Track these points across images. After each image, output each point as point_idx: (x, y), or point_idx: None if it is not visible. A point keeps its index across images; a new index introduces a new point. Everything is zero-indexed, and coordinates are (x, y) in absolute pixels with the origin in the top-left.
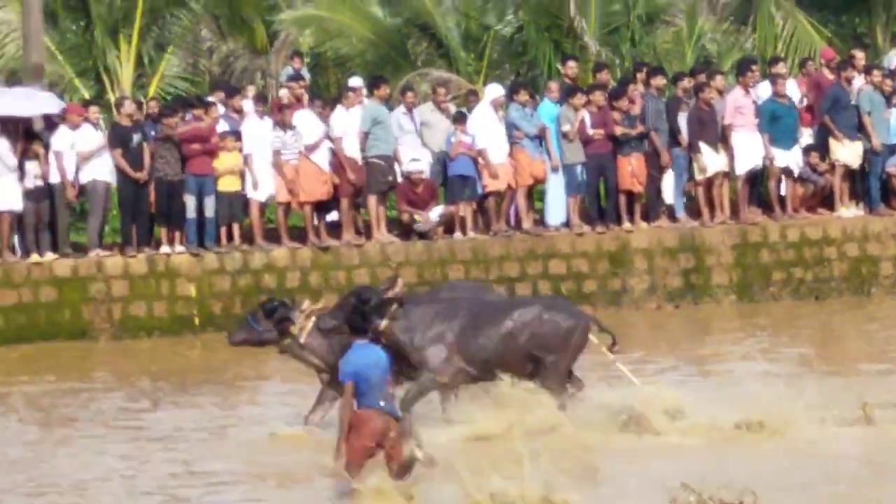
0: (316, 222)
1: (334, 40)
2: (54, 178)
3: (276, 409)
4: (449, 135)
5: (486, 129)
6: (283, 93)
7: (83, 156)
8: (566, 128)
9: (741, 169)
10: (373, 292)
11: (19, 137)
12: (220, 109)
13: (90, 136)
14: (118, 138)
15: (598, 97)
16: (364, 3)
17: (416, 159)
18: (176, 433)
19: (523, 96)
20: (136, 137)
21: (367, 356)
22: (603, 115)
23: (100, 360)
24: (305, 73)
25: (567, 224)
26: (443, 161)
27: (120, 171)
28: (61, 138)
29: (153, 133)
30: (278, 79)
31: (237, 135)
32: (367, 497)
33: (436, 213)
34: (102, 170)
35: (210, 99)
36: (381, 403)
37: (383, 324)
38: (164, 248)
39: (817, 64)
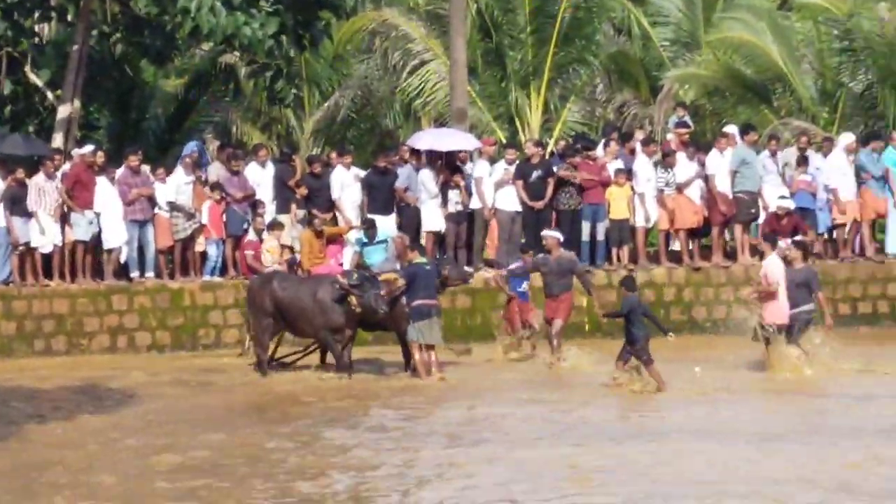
0: (690, 246)
1: (712, 95)
2: (474, 204)
3: None
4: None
5: (838, 170)
6: (670, 137)
7: (496, 185)
8: None
9: None
10: None
11: (442, 169)
12: (616, 149)
13: (500, 169)
14: (520, 174)
15: None
16: (736, 63)
17: (785, 196)
18: None
19: (875, 144)
20: (535, 173)
21: None
22: None
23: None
24: (689, 121)
25: None
26: None
27: (521, 201)
28: (480, 168)
29: (555, 169)
30: (665, 125)
31: (629, 172)
32: None
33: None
34: (511, 200)
35: (605, 140)
36: None
37: None
38: None
39: None
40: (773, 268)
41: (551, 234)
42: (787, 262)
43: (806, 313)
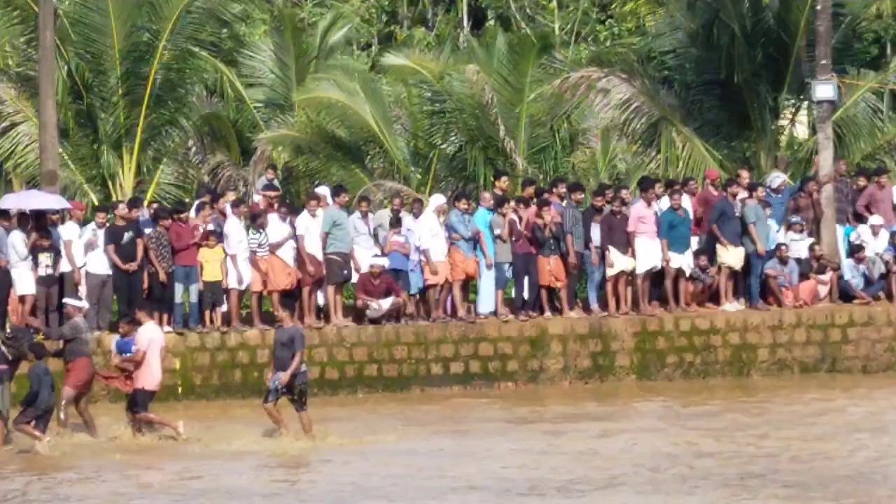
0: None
1: (305, 156)
2: (65, 268)
3: None
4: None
5: (429, 232)
6: (258, 199)
7: (85, 247)
8: (498, 231)
9: (642, 268)
10: None
11: (31, 232)
12: (209, 212)
13: (90, 233)
14: (111, 236)
15: (521, 208)
16: (328, 124)
17: (378, 255)
18: None
19: (463, 205)
20: (127, 235)
21: None
22: (527, 222)
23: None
24: (277, 183)
25: (495, 313)
26: None
27: (112, 264)
28: (69, 230)
29: (148, 231)
30: (255, 187)
31: (220, 234)
32: None
33: (387, 302)
34: (101, 263)
35: (198, 202)
36: None
37: None
38: None
39: (701, 183)
40: (144, 334)
41: (71, 303)
42: (277, 321)
43: (302, 375)
